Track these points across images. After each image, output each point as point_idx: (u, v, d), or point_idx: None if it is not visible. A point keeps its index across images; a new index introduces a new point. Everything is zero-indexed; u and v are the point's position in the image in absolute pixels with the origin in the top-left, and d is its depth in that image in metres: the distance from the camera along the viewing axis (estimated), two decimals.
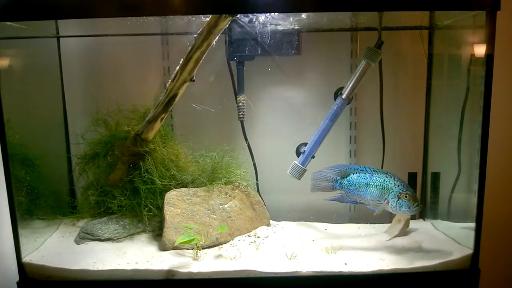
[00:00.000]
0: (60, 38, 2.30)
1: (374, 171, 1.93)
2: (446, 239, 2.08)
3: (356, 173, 1.95)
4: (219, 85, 2.28)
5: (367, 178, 1.92)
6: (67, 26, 2.24)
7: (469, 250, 1.87)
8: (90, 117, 2.14)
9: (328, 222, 2.33)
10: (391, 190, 1.87)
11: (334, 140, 2.29)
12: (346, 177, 1.97)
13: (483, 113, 1.76)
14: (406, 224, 2.17)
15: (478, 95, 1.83)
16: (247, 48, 2.13)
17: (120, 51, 2.34)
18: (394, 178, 1.89)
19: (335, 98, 2.11)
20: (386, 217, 2.29)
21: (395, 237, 2.10)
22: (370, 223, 2.31)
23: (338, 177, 1.98)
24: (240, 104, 2.20)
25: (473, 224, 1.87)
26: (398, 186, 1.87)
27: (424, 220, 2.40)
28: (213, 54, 2.03)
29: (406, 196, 1.84)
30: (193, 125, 2.33)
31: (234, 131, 2.32)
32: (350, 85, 2.07)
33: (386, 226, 2.23)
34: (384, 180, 1.89)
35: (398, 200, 1.85)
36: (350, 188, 1.95)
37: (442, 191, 2.29)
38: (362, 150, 2.41)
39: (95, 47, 2.34)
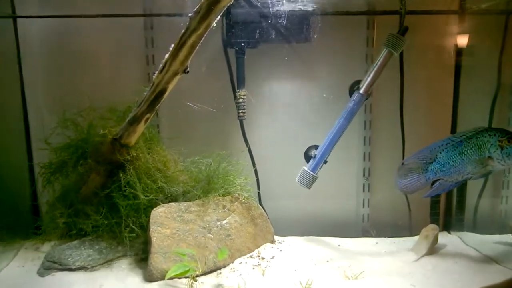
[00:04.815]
0: (17, 19, 2.10)
1: (460, 136, 1.74)
2: (480, 257, 1.93)
3: (442, 150, 1.77)
4: (214, 78, 2.13)
5: (457, 148, 1.73)
6: (26, 4, 2.06)
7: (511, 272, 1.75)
8: (56, 116, 1.95)
9: (341, 236, 2.18)
10: (489, 143, 1.66)
11: (345, 142, 2.09)
12: (434, 161, 1.79)
13: None
14: (435, 240, 1.97)
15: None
16: (249, 34, 1.96)
17: (93, 36, 2.15)
18: (485, 130, 1.69)
19: (350, 94, 1.98)
20: (405, 230, 2.21)
21: (423, 256, 1.92)
22: (388, 237, 2.20)
23: (426, 167, 1.81)
24: (240, 100, 2.04)
25: (505, 237, 1.88)
26: (495, 135, 1.66)
27: (449, 233, 2.23)
28: (206, 40, 1.85)
29: (509, 141, 1.64)
30: (183, 126, 2.16)
31: (232, 132, 2.16)
32: (370, 78, 1.93)
33: (407, 240, 2.12)
34: (476, 138, 1.69)
35: (502, 150, 1.64)
36: (444, 169, 1.77)
37: (468, 198, 2.23)
38: (378, 153, 2.28)
39: (62, 31, 2.13)
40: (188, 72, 1.61)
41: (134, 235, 1.84)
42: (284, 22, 1.99)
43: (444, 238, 2.13)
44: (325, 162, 1.98)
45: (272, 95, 2.21)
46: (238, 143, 2.15)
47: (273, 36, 1.98)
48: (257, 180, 2.17)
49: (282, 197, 2.23)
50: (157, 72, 1.64)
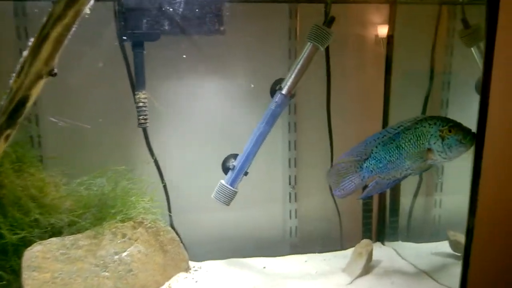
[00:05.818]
0: None
1: (398, 127, 1.63)
2: (417, 273, 1.82)
3: (378, 144, 1.65)
4: (107, 78, 1.84)
5: (394, 140, 1.62)
6: None
7: None
8: None
9: (266, 255, 2.02)
10: (429, 133, 1.54)
11: (267, 147, 1.92)
12: (369, 157, 1.67)
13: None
14: (369, 257, 1.82)
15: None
16: (148, 23, 1.74)
17: None
18: (424, 119, 1.58)
19: (272, 95, 1.84)
20: (336, 243, 2.10)
21: (357, 277, 1.77)
22: (318, 253, 2.06)
23: (360, 164, 1.69)
24: (141, 104, 1.81)
25: (441, 245, 1.86)
26: (435, 124, 1.55)
27: (383, 244, 2.11)
28: (96, 30, 1.67)
29: (450, 131, 1.52)
30: (69, 140, 1.86)
31: (133, 142, 1.91)
32: (293, 77, 1.79)
33: (338, 256, 2.01)
34: (414, 128, 1.58)
35: (443, 140, 1.53)
36: (381, 165, 1.65)
37: (401, 203, 2.14)
38: (304, 158, 2.12)
39: None
40: (55, 74, 1.23)
41: (4, 282, 1.46)
42: (192, 9, 1.77)
43: (378, 251, 2.00)
44: (246, 173, 1.82)
45: (180, 97, 2.00)
46: (142, 154, 1.91)
47: (179, 27, 1.77)
48: (167, 198, 1.93)
49: (197, 216, 2.03)
50: (14, 75, 1.24)
